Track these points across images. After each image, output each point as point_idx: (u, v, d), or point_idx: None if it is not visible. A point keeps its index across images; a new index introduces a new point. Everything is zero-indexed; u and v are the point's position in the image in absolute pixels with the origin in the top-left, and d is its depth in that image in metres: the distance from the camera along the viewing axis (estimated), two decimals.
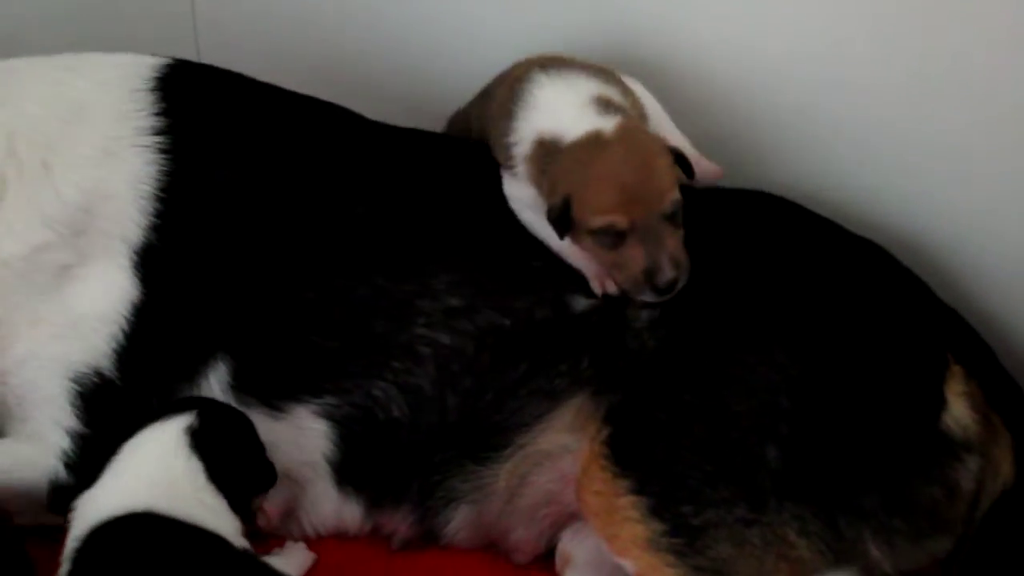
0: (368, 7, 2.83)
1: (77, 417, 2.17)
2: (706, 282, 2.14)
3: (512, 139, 2.15)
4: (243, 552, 2.00)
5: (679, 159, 2.11)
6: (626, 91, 2.26)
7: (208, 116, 2.28)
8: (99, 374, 2.18)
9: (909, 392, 2.09)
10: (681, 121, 2.34)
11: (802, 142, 2.43)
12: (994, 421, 2.11)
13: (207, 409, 2.11)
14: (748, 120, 2.48)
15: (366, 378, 2.21)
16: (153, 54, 2.37)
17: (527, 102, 2.17)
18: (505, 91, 2.22)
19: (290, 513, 2.27)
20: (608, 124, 2.10)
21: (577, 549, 2.20)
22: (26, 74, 2.26)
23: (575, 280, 2.19)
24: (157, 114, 2.24)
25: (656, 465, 2.03)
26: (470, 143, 2.33)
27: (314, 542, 2.28)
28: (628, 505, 2.01)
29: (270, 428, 2.20)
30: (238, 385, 2.22)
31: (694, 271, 2.11)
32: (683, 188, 2.10)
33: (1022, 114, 2.21)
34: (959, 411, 2.08)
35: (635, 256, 2.03)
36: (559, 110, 2.14)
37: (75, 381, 2.17)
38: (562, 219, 2.04)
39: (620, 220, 2.01)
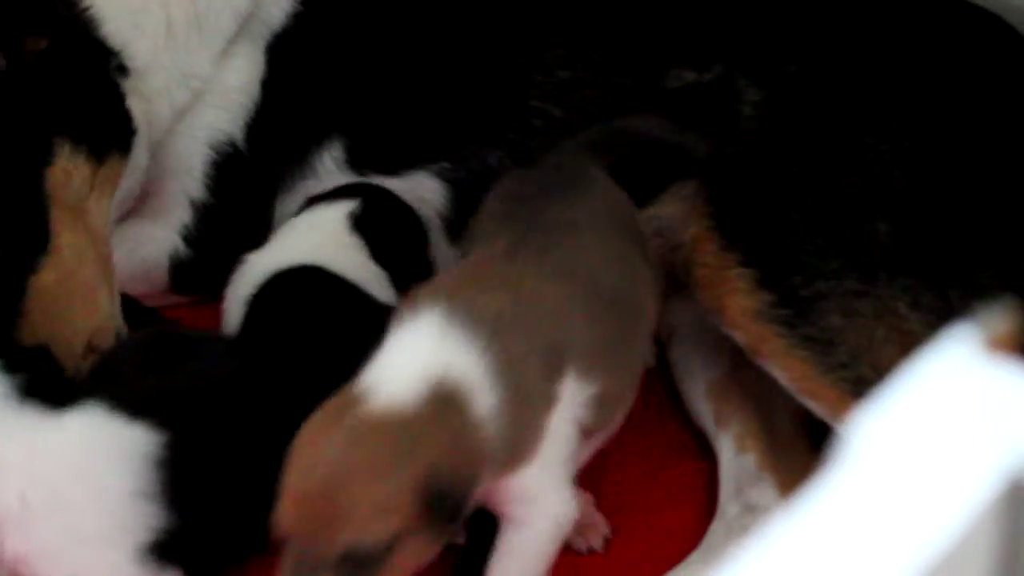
0: None
1: (206, 186, 2.24)
2: (813, 62, 2.14)
3: None
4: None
5: None
6: None
7: None
8: (231, 143, 2.24)
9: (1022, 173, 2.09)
10: None
11: None
12: None
13: (370, 197, 2.18)
14: None
15: (481, 145, 2.25)
16: None
17: None
18: None
19: None
20: None
21: (682, 319, 2.22)
22: None
23: (682, 59, 2.19)
24: None
25: (764, 237, 2.03)
26: None
27: None
28: (736, 277, 2.01)
29: (388, 184, 2.27)
30: (351, 161, 2.27)
31: (808, 49, 2.12)
32: None
33: None
34: None
35: None
36: None
37: (213, 148, 2.24)
38: None
39: None
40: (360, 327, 1.98)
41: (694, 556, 1.99)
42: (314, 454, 1.66)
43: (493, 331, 1.72)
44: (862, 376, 1.94)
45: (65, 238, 2.03)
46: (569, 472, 1.78)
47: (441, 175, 2.27)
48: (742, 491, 2.03)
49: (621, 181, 2.13)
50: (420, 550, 1.66)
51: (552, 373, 1.75)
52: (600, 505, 2.06)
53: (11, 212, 2.01)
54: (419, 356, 1.71)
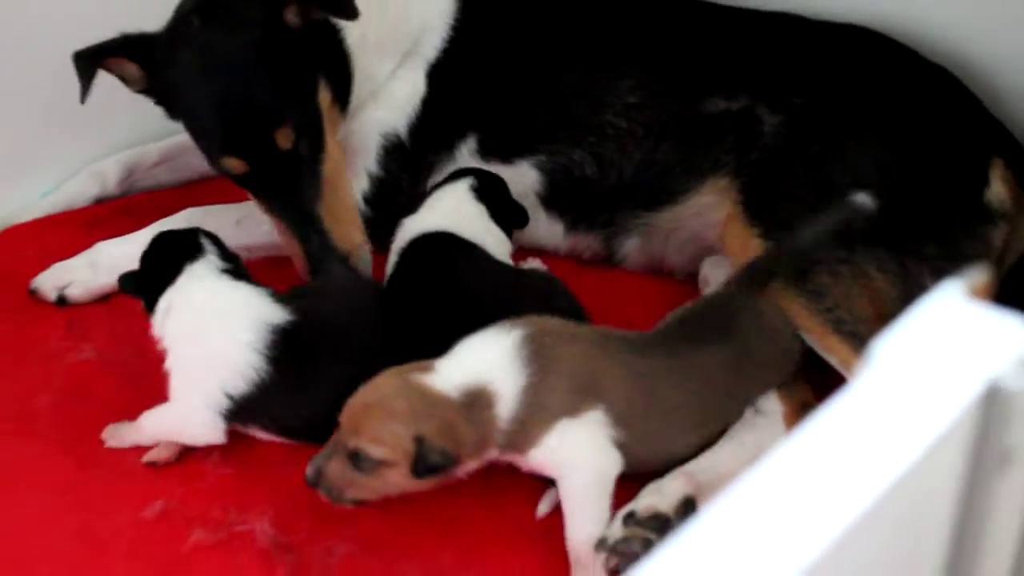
0: None
1: (378, 164, 2.26)
2: (815, 96, 2.15)
3: None
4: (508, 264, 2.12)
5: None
6: None
7: None
8: (397, 136, 2.27)
9: (963, 174, 2.09)
10: None
11: None
12: (1022, 201, 2.10)
13: (480, 175, 2.19)
14: None
15: (569, 145, 2.27)
16: None
17: None
18: None
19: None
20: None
21: (715, 274, 2.22)
22: None
23: (716, 91, 2.20)
24: None
25: (777, 218, 2.05)
26: None
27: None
28: (757, 246, 2.04)
29: (501, 171, 2.28)
30: (481, 151, 2.30)
31: (811, 87, 2.14)
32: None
33: None
34: (997, 190, 2.08)
35: None
36: None
37: (384, 137, 2.27)
38: None
39: None
40: (477, 277, 2.04)
41: (721, 443, 1.94)
42: (375, 384, 1.72)
43: (544, 367, 1.73)
44: (841, 318, 1.96)
45: (330, 142, 2.10)
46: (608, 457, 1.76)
47: (538, 165, 2.29)
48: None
49: (677, 179, 2.21)
50: (402, 481, 1.70)
51: (578, 402, 1.73)
52: None
53: (308, 118, 2.07)
54: (480, 362, 1.72)
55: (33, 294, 2.23)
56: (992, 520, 0.92)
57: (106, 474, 1.93)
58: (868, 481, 0.81)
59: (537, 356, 1.73)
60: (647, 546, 1.77)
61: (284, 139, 2.02)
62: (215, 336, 1.88)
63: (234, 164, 2.04)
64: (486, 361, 1.72)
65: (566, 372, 1.74)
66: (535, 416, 1.72)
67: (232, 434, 1.94)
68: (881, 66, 2.22)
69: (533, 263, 2.29)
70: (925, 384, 0.87)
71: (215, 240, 2.00)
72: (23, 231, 2.35)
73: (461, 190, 2.16)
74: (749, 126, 2.16)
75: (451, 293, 1.99)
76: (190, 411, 1.88)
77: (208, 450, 1.95)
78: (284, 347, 1.87)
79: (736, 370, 1.88)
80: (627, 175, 2.25)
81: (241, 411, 1.87)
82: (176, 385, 1.89)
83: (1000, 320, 0.92)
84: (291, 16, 2.05)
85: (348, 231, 2.09)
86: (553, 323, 1.81)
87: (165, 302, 1.92)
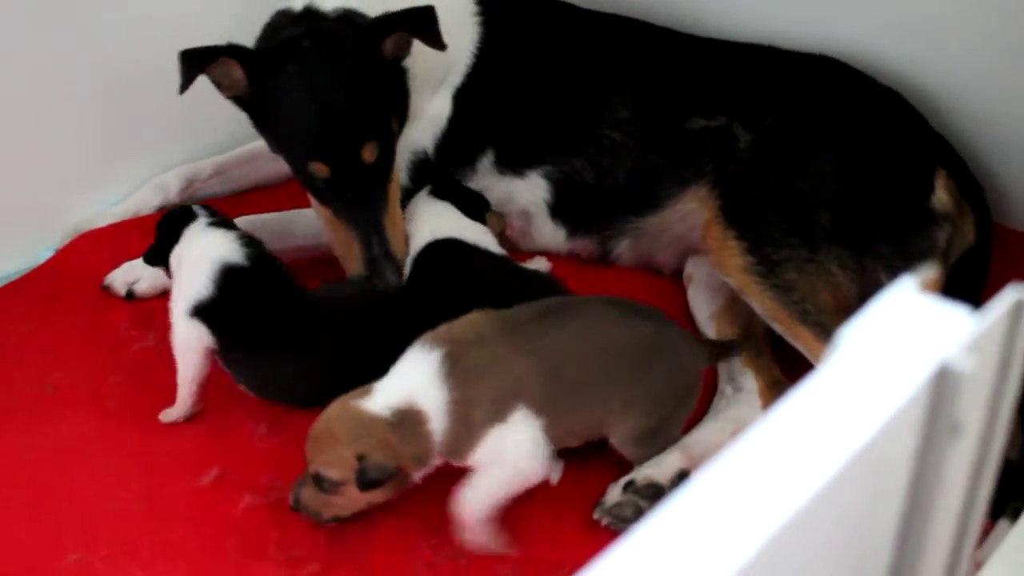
0: None
1: (409, 177, 2.23)
2: (784, 116, 2.14)
3: None
4: (505, 257, 2.11)
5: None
6: None
7: (504, 9, 2.32)
8: (425, 152, 2.26)
9: (911, 182, 2.08)
10: None
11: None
12: (964, 206, 2.11)
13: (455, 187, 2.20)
14: None
15: (571, 156, 2.26)
16: None
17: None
18: None
19: (526, 233, 2.34)
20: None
21: (697, 271, 2.23)
22: None
23: (698, 111, 2.19)
24: (479, 3, 2.28)
25: (750, 222, 2.04)
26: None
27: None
28: (733, 246, 2.03)
29: (516, 183, 2.29)
30: (498, 163, 2.29)
31: (780, 108, 2.13)
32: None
33: None
34: (941, 196, 2.07)
35: None
36: None
37: (414, 154, 2.25)
38: None
39: None
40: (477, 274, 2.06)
41: (707, 417, 1.98)
42: (324, 414, 1.70)
43: (462, 381, 1.67)
44: (807, 309, 1.96)
45: (395, 172, 2.09)
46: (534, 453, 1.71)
47: (545, 174, 2.27)
48: (733, 378, 2.02)
49: (663, 186, 2.20)
50: (360, 496, 1.68)
51: (501, 408, 1.68)
52: None
53: (387, 139, 2.06)
54: (406, 384, 1.68)
55: (105, 290, 2.23)
56: (943, 482, 0.92)
57: (168, 446, 1.94)
58: (837, 448, 0.81)
59: (455, 371, 1.67)
60: (638, 512, 1.79)
61: (369, 153, 2.00)
62: (190, 267, 1.95)
63: (320, 169, 2.00)
64: (412, 382, 1.68)
65: (485, 383, 1.68)
66: (466, 428, 1.67)
67: (279, 410, 1.96)
68: (840, 90, 2.22)
69: (540, 262, 2.29)
70: (885, 365, 0.87)
71: (205, 206, 2.05)
72: (96, 235, 2.35)
73: (426, 200, 2.15)
74: (726, 142, 2.15)
75: (468, 290, 2.00)
76: (178, 317, 1.93)
77: (256, 423, 1.97)
78: (231, 278, 1.94)
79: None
80: (620, 181, 2.24)
81: (204, 317, 1.92)
82: (171, 305, 1.96)
83: (948, 310, 0.92)
84: (388, 47, 2.04)
85: (400, 241, 2.07)
86: (459, 329, 1.74)
87: (174, 258, 1.98)
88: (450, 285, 2.02)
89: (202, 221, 2.00)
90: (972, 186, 2.15)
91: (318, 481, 1.69)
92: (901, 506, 0.93)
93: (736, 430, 1.95)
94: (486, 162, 2.29)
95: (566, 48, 2.30)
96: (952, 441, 0.91)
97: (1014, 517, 1.36)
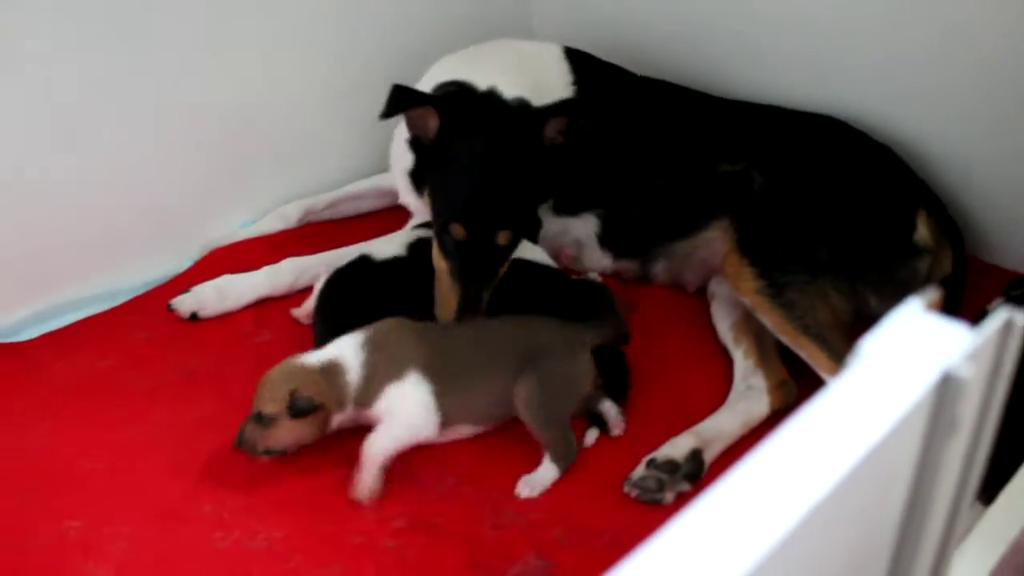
0: None
1: None
2: (792, 164, 2.09)
3: None
4: (560, 270, 2.09)
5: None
6: None
7: (592, 76, 2.23)
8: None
9: (897, 221, 2.04)
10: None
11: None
12: (942, 241, 2.05)
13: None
14: None
15: (621, 199, 2.21)
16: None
17: None
18: None
19: (577, 258, 2.29)
20: None
21: (719, 289, 2.19)
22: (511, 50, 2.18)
23: (724, 158, 2.13)
24: (575, 74, 2.20)
25: (761, 252, 2.00)
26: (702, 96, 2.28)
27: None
28: (747, 272, 1.99)
29: (571, 222, 2.23)
30: (555, 209, 2.21)
31: (789, 157, 2.07)
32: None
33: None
34: (922, 232, 2.03)
35: None
36: None
37: None
38: None
39: None
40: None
41: (722, 407, 1.95)
42: (270, 370, 1.75)
43: (375, 349, 1.75)
44: (808, 324, 1.91)
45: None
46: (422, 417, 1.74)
47: (598, 215, 2.21)
48: (746, 378, 1.99)
49: (694, 219, 2.15)
50: (291, 427, 1.70)
51: (399, 369, 1.74)
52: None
53: (526, 224, 1.97)
54: (337, 348, 1.76)
55: (171, 310, 2.12)
56: (942, 469, 0.89)
57: None
58: (856, 443, 0.78)
59: (371, 343, 1.75)
60: (660, 485, 1.77)
61: (503, 239, 1.87)
62: None
63: (458, 231, 1.84)
64: (339, 348, 1.76)
65: (388, 352, 1.75)
66: (372, 381, 1.73)
67: None
68: (840, 144, 2.17)
69: (593, 275, 2.26)
70: (897, 372, 0.84)
71: None
72: (227, 251, 2.33)
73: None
74: (745, 183, 2.11)
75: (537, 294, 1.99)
76: None
77: None
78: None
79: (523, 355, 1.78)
80: (659, 216, 2.19)
81: None
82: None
83: (950, 326, 0.88)
84: (551, 131, 1.90)
85: (489, 292, 1.93)
86: (380, 323, 1.80)
87: None
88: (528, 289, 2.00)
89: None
90: (950, 224, 2.10)
91: (259, 417, 1.71)
92: (906, 491, 0.90)
93: (745, 420, 1.93)
94: (547, 208, 2.21)
95: (616, 113, 2.22)
96: (950, 435, 0.88)
97: (988, 501, 1.32)
